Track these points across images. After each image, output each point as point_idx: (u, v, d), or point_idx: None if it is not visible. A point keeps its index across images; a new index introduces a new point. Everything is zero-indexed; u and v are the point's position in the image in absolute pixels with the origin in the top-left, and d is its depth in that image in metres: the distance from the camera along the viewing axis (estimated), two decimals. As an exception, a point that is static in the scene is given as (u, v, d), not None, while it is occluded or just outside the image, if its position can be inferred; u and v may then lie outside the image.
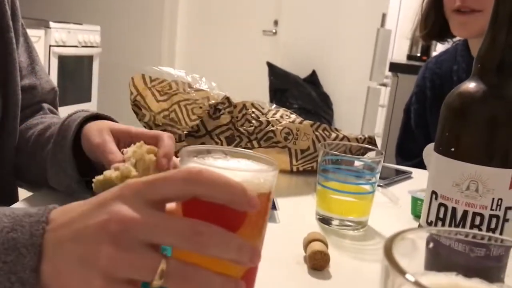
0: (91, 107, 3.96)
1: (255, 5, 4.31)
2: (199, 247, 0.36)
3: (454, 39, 1.40)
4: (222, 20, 4.41)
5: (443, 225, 0.55)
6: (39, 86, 0.91)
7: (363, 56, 3.64)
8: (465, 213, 0.53)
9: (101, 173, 0.64)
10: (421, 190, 0.83)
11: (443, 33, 1.33)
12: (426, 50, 2.76)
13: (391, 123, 2.33)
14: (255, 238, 0.42)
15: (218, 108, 0.95)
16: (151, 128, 0.94)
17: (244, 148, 0.95)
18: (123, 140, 0.71)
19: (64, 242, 0.38)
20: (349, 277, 0.62)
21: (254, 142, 0.96)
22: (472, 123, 0.53)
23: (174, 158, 0.69)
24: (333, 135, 1.02)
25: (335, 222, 0.77)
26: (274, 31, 4.31)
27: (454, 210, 0.54)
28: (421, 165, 1.04)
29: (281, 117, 1.01)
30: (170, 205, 0.40)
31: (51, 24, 3.49)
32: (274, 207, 0.80)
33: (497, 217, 0.53)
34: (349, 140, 1.03)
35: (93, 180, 0.64)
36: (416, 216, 0.84)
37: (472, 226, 0.53)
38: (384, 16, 3.27)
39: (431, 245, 0.34)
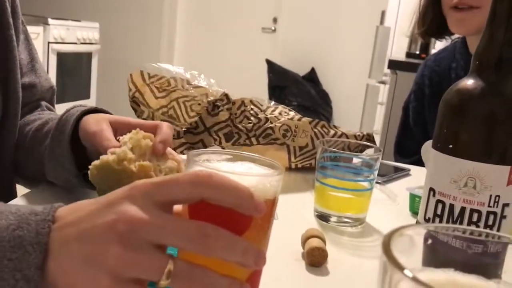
0: (89, 104, 3.94)
1: (255, 2, 4.31)
2: (205, 249, 0.36)
3: (453, 37, 1.40)
4: (221, 18, 4.41)
5: (440, 221, 0.55)
6: (38, 84, 0.91)
7: (362, 53, 3.64)
8: (463, 209, 0.53)
9: None
10: (419, 187, 0.83)
11: (441, 30, 1.33)
12: (425, 48, 2.76)
13: (389, 120, 2.33)
14: (260, 241, 0.43)
15: (216, 105, 0.95)
16: (149, 125, 0.93)
17: (243, 145, 0.95)
18: (121, 131, 0.71)
19: (71, 241, 0.38)
20: (347, 274, 0.63)
21: (253, 139, 0.96)
22: (470, 120, 0.53)
23: (170, 149, 0.69)
24: (332, 132, 1.02)
25: (333, 219, 0.77)
26: (273, 28, 4.31)
27: (451, 206, 0.54)
28: (419, 163, 1.04)
29: (280, 114, 1.01)
30: (177, 207, 0.41)
31: (50, 21, 3.49)
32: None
33: (495, 213, 0.53)
34: (347, 137, 1.03)
35: (89, 167, 0.64)
36: (414, 213, 0.84)
37: (470, 222, 0.53)
38: (383, 13, 3.27)
39: (429, 241, 0.35)
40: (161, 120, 0.94)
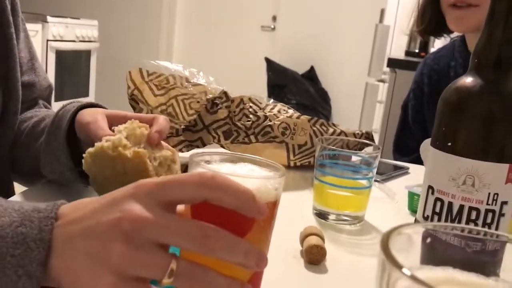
0: (88, 102, 3.94)
1: (254, 0, 4.30)
2: (207, 250, 0.37)
3: (452, 35, 1.40)
4: (221, 16, 4.40)
5: (439, 219, 0.55)
6: (37, 83, 0.91)
7: (361, 52, 3.64)
8: (461, 207, 0.53)
9: None
10: (417, 185, 0.83)
11: (440, 29, 1.33)
12: (424, 46, 2.76)
13: (388, 119, 2.33)
14: (261, 243, 0.43)
15: (215, 102, 0.95)
16: (148, 123, 0.93)
17: (242, 143, 0.95)
18: (117, 124, 0.71)
19: (75, 238, 0.38)
20: (345, 271, 0.63)
21: (252, 137, 0.96)
22: (468, 117, 0.53)
23: (165, 143, 0.69)
24: (331, 130, 1.02)
25: (331, 217, 0.77)
26: (272, 26, 4.31)
27: (450, 204, 0.54)
28: (418, 161, 1.04)
29: (279, 112, 1.01)
30: (179, 207, 0.41)
31: (49, 18, 3.48)
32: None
33: (493, 211, 0.53)
34: (346, 135, 1.03)
35: (83, 155, 0.63)
36: (413, 211, 0.84)
37: (468, 220, 0.53)
38: (382, 12, 3.27)
39: (427, 240, 0.35)
40: (160, 118, 0.94)
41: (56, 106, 0.76)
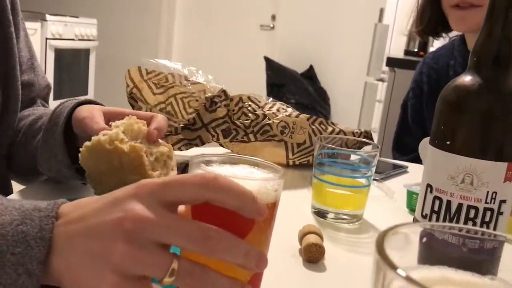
0: (87, 100, 3.94)
1: None
2: (208, 250, 0.37)
3: (450, 34, 1.40)
4: (220, 14, 4.40)
5: (437, 218, 0.55)
6: (36, 83, 0.91)
7: (360, 51, 3.64)
8: (460, 206, 0.53)
9: None
10: (416, 184, 0.84)
11: (439, 29, 1.33)
12: (424, 46, 2.76)
13: (387, 118, 2.33)
14: (261, 244, 0.43)
15: (214, 101, 0.95)
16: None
17: (241, 141, 0.95)
18: (115, 121, 0.71)
19: (76, 237, 0.38)
20: (344, 270, 0.63)
21: (251, 136, 0.96)
22: (467, 116, 0.53)
23: (161, 140, 0.69)
24: (330, 129, 1.02)
25: (330, 215, 0.77)
26: (271, 25, 4.31)
27: (449, 203, 0.54)
28: (417, 160, 1.05)
29: (278, 110, 1.01)
30: (179, 208, 0.41)
31: (48, 17, 3.48)
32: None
33: (492, 210, 0.53)
34: (345, 134, 1.03)
35: (80, 149, 0.63)
36: (412, 209, 0.84)
37: (467, 219, 0.53)
38: (381, 11, 3.27)
39: (424, 239, 0.35)
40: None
41: (54, 104, 0.76)
